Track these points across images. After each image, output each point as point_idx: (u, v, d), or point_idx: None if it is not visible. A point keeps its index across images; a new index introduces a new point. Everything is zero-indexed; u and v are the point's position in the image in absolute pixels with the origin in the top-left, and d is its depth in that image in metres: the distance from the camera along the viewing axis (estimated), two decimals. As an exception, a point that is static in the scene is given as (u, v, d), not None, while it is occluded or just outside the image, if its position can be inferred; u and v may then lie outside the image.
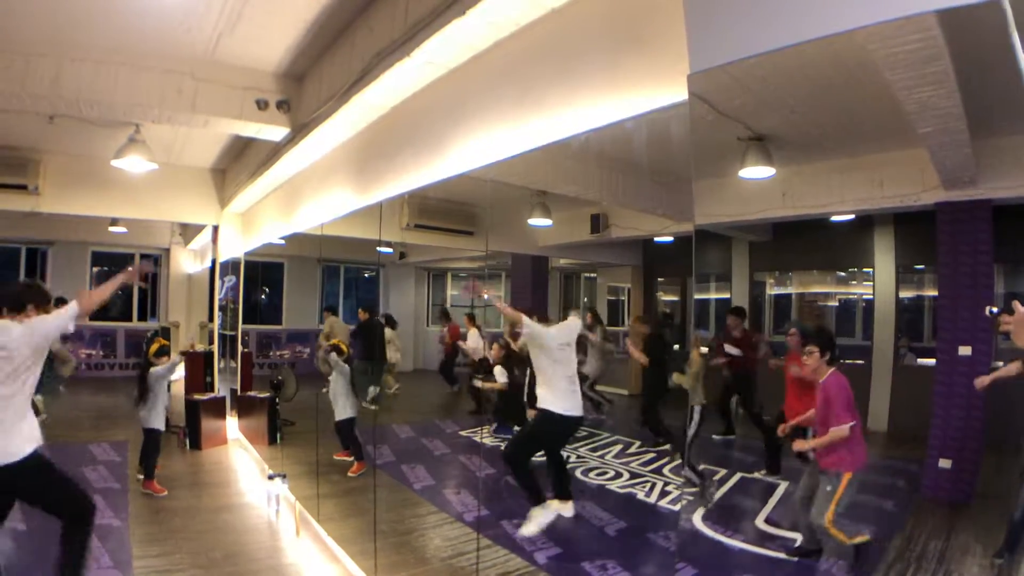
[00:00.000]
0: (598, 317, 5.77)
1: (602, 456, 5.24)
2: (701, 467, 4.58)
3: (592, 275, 7.56)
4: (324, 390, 5.25)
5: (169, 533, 4.08)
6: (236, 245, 7.41)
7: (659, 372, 5.02)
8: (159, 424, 4.93)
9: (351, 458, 5.24)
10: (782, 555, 3.46)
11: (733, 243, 5.94)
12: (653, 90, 1.86)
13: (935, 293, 4.32)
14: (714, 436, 5.09)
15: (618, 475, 4.87)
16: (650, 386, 5.24)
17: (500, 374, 4.86)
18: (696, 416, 4.24)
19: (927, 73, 2.08)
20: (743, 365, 4.84)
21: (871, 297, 4.89)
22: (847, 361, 4.57)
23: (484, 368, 5.96)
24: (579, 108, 2.17)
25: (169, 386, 5.81)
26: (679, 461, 5.00)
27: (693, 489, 4.27)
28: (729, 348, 4.90)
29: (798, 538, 3.46)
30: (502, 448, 4.48)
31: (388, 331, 6.73)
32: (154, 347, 4.97)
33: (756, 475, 4.67)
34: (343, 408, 5.15)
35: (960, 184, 3.29)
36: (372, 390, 6.34)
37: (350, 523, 4.15)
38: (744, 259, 5.89)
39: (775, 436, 4.45)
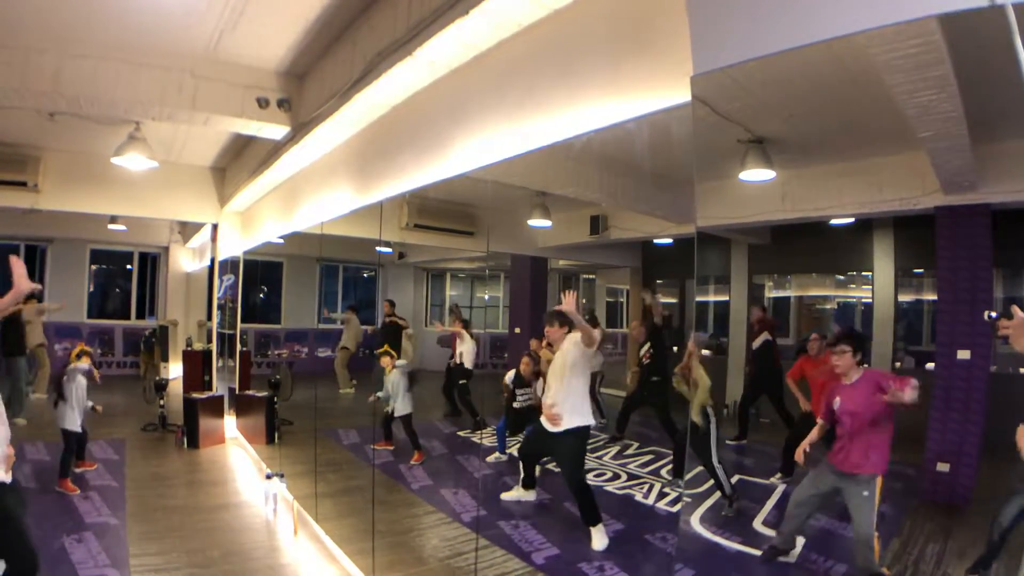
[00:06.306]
0: (596, 320, 5.74)
1: (600, 457, 5.24)
2: (735, 479, 4.47)
3: (591, 276, 7.57)
4: (377, 395, 5.40)
5: (166, 532, 4.08)
6: (235, 244, 7.41)
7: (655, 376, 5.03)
8: (71, 425, 4.90)
9: (391, 447, 5.58)
10: (781, 558, 3.46)
11: (732, 245, 5.95)
12: (655, 91, 1.86)
13: (934, 297, 4.31)
14: (727, 441, 5.00)
15: (616, 476, 4.87)
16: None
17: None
18: (712, 419, 4.09)
19: (928, 77, 2.08)
20: (768, 363, 4.75)
21: (870, 300, 4.88)
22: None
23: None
24: (581, 109, 2.17)
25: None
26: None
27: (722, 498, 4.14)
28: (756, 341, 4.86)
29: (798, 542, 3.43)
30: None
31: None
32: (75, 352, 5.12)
33: (773, 480, 4.59)
34: (403, 405, 5.33)
35: (960, 188, 3.28)
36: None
37: (348, 522, 4.15)
38: (743, 262, 5.89)
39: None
